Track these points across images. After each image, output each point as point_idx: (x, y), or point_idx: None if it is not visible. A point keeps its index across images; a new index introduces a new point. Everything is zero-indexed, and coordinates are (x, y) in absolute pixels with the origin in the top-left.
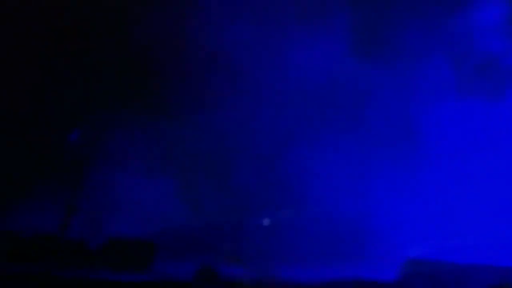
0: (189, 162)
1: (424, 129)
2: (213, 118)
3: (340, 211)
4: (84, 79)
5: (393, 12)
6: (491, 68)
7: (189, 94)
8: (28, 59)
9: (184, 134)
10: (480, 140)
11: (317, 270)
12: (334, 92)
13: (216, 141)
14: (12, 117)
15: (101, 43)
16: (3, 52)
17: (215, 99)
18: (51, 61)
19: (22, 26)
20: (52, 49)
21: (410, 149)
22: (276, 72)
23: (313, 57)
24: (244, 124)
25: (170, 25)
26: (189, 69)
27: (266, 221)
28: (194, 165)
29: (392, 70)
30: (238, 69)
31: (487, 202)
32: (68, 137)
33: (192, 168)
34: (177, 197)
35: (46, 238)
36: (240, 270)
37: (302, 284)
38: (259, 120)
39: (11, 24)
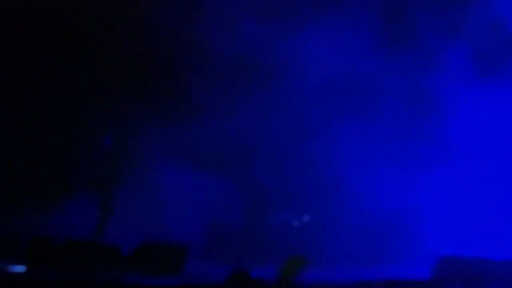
0: (209, 160)
1: (449, 123)
2: (229, 117)
3: (363, 210)
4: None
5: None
6: None
7: (206, 94)
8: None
9: (203, 133)
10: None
11: (349, 270)
12: (351, 88)
13: (234, 139)
14: (39, 120)
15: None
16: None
17: (232, 98)
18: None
19: (23, 26)
20: (60, 49)
21: (431, 146)
22: (293, 69)
23: (330, 53)
24: (262, 123)
25: (186, 26)
26: (207, 69)
27: (293, 221)
28: (214, 163)
29: (406, 69)
30: (254, 68)
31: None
32: (99, 139)
33: (212, 166)
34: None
35: (79, 244)
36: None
37: (334, 284)
38: (278, 118)
39: (11, 24)
